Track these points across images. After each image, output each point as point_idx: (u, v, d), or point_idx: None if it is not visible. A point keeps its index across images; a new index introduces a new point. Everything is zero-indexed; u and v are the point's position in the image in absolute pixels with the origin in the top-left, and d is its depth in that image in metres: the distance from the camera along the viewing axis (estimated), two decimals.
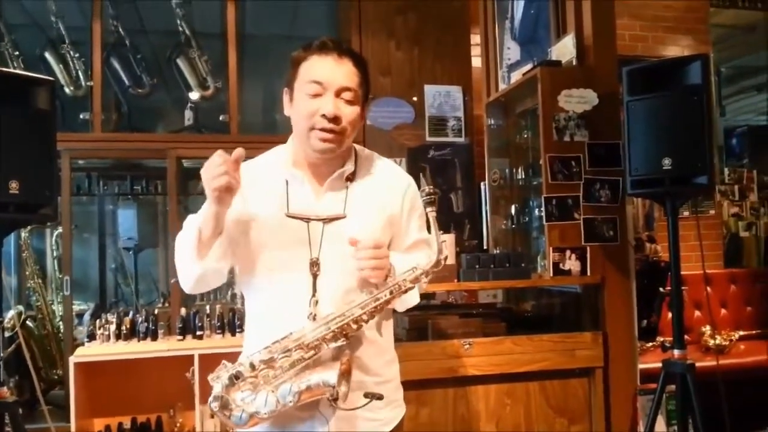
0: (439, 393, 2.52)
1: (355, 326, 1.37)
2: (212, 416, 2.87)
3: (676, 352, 2.39)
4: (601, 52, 2.78)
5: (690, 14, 4.50)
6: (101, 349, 3.23)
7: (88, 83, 4.01)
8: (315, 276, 1.43)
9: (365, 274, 1.40)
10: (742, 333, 3.93)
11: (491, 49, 3.78)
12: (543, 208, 2.75)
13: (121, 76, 4.13)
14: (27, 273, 4.37)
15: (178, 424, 3.37)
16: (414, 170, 3.09)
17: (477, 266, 2.66)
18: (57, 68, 4.04)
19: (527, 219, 3.28)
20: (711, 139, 2.30)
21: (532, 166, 3.20)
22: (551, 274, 2.70)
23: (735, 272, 4.33)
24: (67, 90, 4.03)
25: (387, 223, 1.51)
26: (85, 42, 4.01)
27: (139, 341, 3.37)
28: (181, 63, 4.23)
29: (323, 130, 1.42)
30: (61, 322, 4.13)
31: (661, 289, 3.51)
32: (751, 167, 5.45)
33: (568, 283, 2.80)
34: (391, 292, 1.39)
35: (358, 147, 1.57)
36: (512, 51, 3.58)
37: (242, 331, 2.78)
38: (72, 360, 3.08)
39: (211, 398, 1.31)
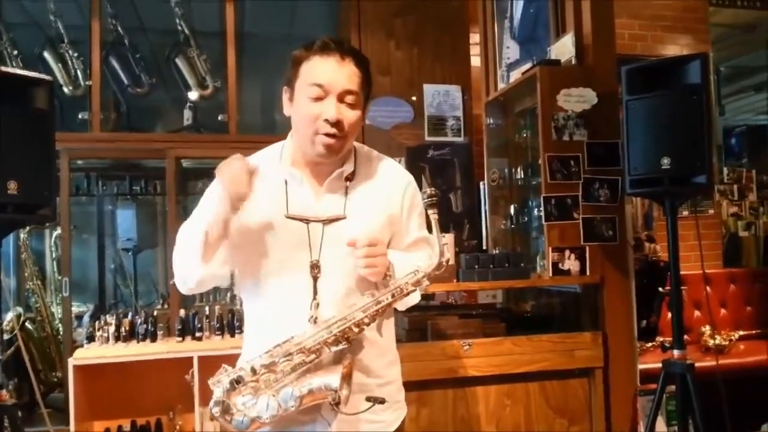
0: (439, 394, 2.51)
1: (356, 329, 1.36)
2: (212, 419, 2.85)
3: (676, 353, 2.38)
4: (600, 51, 2.78)
5: (689, 13, 4.49)
6: (100, 350, 3.21)
7: (87, 83, 3.99)
8: (315, 278, 1.42)
9: (363, 273, 1.40)
10: (741, 333, 3.92)
11: (490, 48, 3.78)
12: (542, 208, 2.75)
13: (120, 75, 4.12)
14: (26, 274, 4.35)
15: (177, 427, 3.36)
16: (413, 170, 3.05)
17: (476, 266, 2.65)
18: (56, 67, 4.03)
19: (526, 219, 3.28)
20: (710, 138, 2.29)
21: (531, 166, 3.20)
22: (550, 274, 2.69)
23: (734, 272, 4.32)
24: (65, 89, 4.02)
25: (387, 222, 1.50)
26: (83, 41, 4.00)
27: (138, 343, 3.35)
28: (180, 62, 4.22)
29: (327, 135, 1.40)
30: (60, 324, 4.11)
31: (660, 289, 3.51)
32: (750, 167, 5.46)
33: (568, 283, 2.80)
34: (392, 295, 1.39)
35: (357, 144, 1.55)
36: (511, 50, 3.58)
37: (242, 332, 2.77)
38: (71, 362, 3.06)
39: (212, 403, 1.31)
